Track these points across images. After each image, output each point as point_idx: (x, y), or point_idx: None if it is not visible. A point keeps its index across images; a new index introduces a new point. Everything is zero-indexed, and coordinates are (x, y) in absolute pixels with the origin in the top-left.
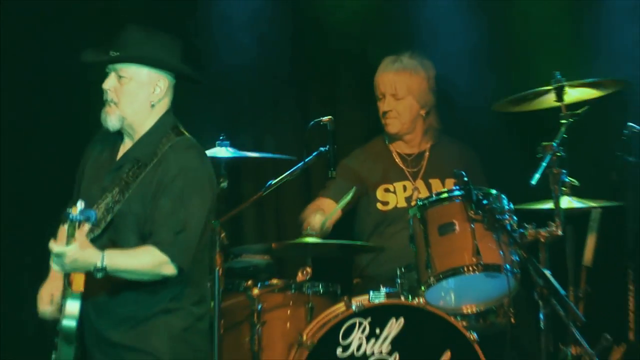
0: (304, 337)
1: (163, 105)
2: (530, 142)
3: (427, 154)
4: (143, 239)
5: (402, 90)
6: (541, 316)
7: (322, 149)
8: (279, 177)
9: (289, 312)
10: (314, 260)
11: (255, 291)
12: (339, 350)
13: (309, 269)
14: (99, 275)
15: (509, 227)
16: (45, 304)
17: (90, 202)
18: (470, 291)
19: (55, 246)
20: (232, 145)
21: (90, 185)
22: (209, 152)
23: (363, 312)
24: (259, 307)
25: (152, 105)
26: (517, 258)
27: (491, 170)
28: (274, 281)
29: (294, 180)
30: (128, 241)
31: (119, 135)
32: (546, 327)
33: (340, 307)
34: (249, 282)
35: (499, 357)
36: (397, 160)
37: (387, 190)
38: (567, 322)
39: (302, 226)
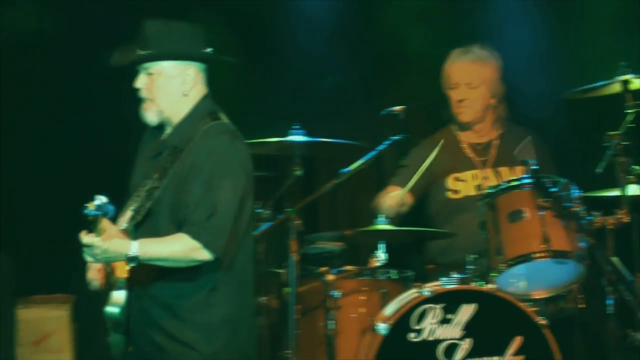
0: (378, 322)
1: (198, 92)
2: (596, 131)
3: (495, 142)
4: (177, 225)
5: (476, 80)
6: (609, 302)
7: (393, 137)
8: (352, 165)
9: (362, 297)
10: (387, 246)
11: (330, 277)
12: (411, 335)
13: (382, 256)
14: (132, 264)
15: (577, 215)
16: (94, 272)
17: (135, 190)
18: (540, 277)
19: (85, 237)
20: (307, 133)
21: (137, 174)
22: (285, 139)
23: (435, 298)
24: (334, 292)
25: (185, 95)
26: (585, 245)
27: (559, 159)
28: (348, 267)
29: (367, 169)
30: (162, 227)
31: (163, 126)
32: (614, 312)
33: (413, 293)
34: (324, 268)
35: (568, 341)
36: (467, 149)
37: (457, 179)
38: (635, 307)
39: (376, 211)
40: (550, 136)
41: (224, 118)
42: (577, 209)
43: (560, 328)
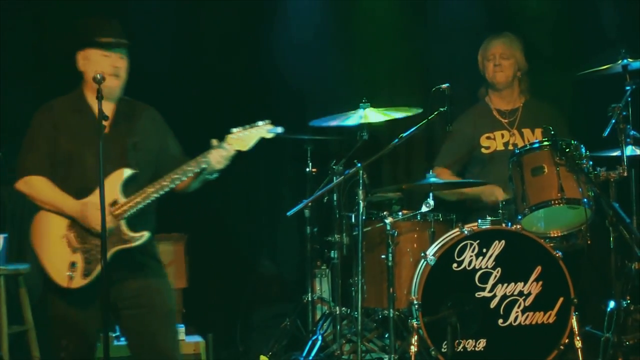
0: (427, 255)
1: None
2: (602, 103)
3: (520, 108)
4: (157, 169)
5: (507, 52)
6: (611, 239)
7: (441, 109)
8: (408, 131)
9: (415, 235)
10: (435, 195)
11: (390, 219)
12: (454, 265)
13: (431, 202)
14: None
15: (586, 170)
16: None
17: (89, 163)
18: (556, 219)
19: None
20: (372, 106)
21: (82, 149)
22: (355, 112)
23: (473, 236)
24: (393, 231)
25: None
26: (593, 193)
27: (573, 125)
28: (404, 212)
29: (420, 133)
30: (147, 173)
31: (74, 101)
32: (615, 247)
33: (455, 231)
34: (385, 212)
35: (578, 270)
36: (496, 114)
37: (488, 137)
38: (632, 243)
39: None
40: (566, 107)
41: None
42: (586, 165)
43: (572, 260)
